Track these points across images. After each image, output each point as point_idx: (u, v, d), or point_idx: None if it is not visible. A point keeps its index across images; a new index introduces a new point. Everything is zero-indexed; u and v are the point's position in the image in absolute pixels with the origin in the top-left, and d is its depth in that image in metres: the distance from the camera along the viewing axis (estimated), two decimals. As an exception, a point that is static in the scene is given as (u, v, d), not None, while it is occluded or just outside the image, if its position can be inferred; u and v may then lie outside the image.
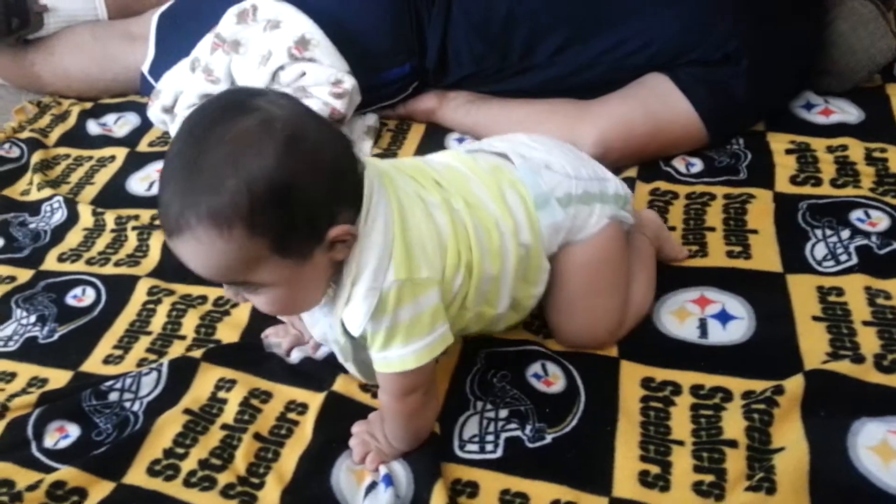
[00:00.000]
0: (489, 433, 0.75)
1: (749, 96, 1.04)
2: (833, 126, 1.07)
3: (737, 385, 0.76)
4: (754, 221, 0.94)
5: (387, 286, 0.61)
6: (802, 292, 0.84)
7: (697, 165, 1.05)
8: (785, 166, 1.02)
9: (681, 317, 0.84)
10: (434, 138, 1.18)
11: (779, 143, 1.06)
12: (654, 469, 0.69)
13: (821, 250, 0.88)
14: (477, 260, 0.68)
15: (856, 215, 0.92)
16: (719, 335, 0.81)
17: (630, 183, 1.03)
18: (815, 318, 0.81)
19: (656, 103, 1.03)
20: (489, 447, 0.73)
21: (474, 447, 0.74)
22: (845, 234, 0.89)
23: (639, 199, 1.00)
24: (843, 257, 0.87)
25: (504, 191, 0.72)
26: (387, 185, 0.64)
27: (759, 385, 0.75)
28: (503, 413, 0.76)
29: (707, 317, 0.83)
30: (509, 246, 0.71)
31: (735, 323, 0.82)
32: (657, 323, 0.83)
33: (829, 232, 0.90)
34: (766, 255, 0.89)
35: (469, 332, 0.78)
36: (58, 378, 0.87)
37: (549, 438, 0.73)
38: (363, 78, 1.14)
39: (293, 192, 0.56)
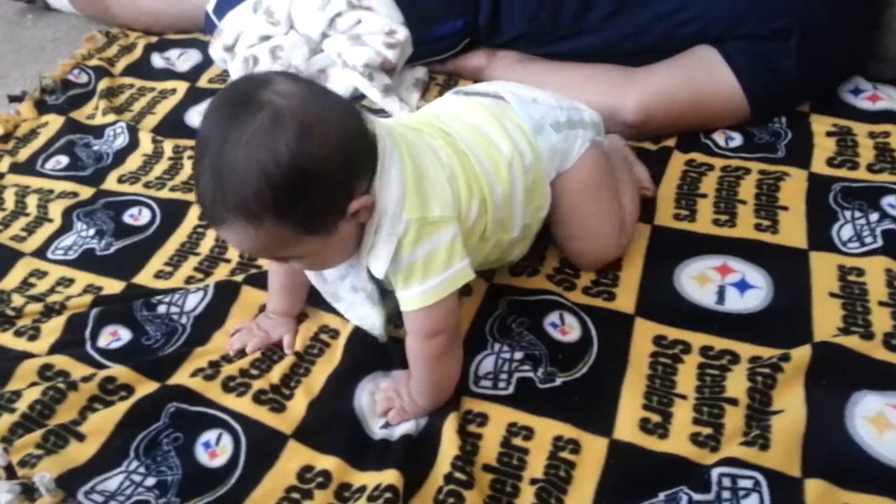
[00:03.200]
0: (503, 372, 0.79)
1: (797, 75, 1.04)
2: (879, 112, 1.07)
3: (745, 350, 0.78)
4: (786, 198, 0.96)
5: (402, 228, 0.66)
6: (823, 269, 0.86)
7: (737, 140, 1.06)
8: (823, 148, 1.02)
9: (701, 282, 0.87)
10: (480, 95, 1.20)
11: (821, 125, 1.06)
12: (655, 418, 0.73)
13: (847, 231, 0.90)
14: (488, 192, 0.74)
15: (888, 201, 0.92)
16: (736, 303, 0.84)
17: (667, 152, 1.05)
18: (832, 295, 0.83)
19: (702, 75, 1.04)
20: (502, 385, 0.78)
21: (488, 383, 0.78)
22: (874, 217, 0.90)
23: (674, 169, 1.02)
24: (869, 240, 0.88)
25: (504, 123, 0.78)
26: (396, 139, 0.68)
27: (767, 352, 0.78)
28: (518, 355, 0.80)
29: (726, 284, 0.86)
30: (516, 173, 0.76)
31: (753, 292, 0.84)
32: (677, 285, 0.86)
33: (857, 214, 0.91)
34: (792, 232, 0.91)
35: (488, 265, 0.83)
36: (112, 287, 0.94)
37: (558, 381, 0.77)
38: (416, 31, 1.17)
39: (311, 179, 0.60)
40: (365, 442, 0.74)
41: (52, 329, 0.87)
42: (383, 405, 0.75)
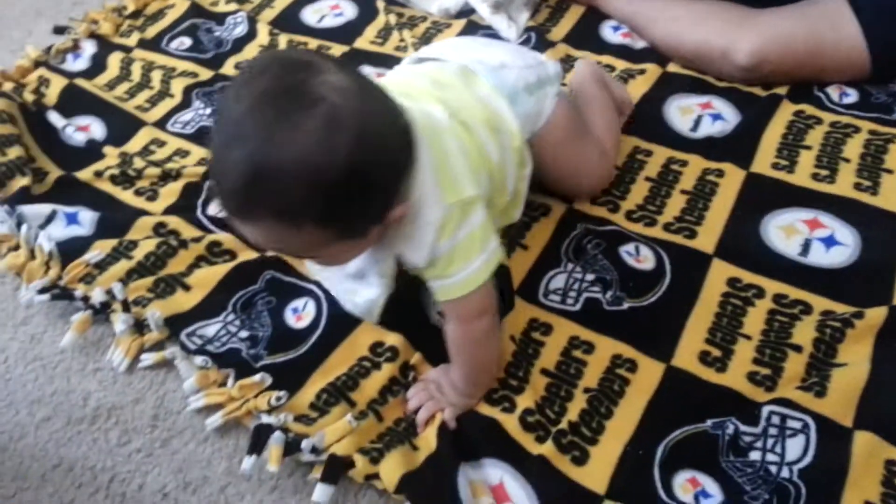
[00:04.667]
0: (572, 290, 0.82)
1: (929, 37, 0.98)
2: None
3: (820, 303, 0.78)
4: (892, 162, 0.92)
5: (441, 213, 0.63)
6: (918, 236, 0.84)
7: (852, 96, 1.02)
8: (944, 115, 0.97)
9: (788, 233, 0.86)
10: (589, 23, 1.19)
11: (947, 91, 1.00)
12: (716, 352, 0.75)
13: (952, 203, 0.87)
14: (490, 162, 0.72)
15: None
16: (819, 257, 0.83)
17: (776, 100, 1.02)
18: (922, 262, 0.81)
19: (824, 25, 1.00)
20: (570, 301, 0.81)
21: (556, 298, 0.82)
22: (985, 190, 0.87)
23: (781, 117, 1.00)
24: (973, 213, 0.85)
25: (480, 94, 0.76)
26: (423, 128, 0.64)
27: (841, 308, 0.77)
28: (589, 277, 0.83)
29: (813, 238, 0.85)
30: (504, 141, 0.75)
31: (838, 249, 0.83)
32: (762, 233, 0.86)
33: (967, 186, 0.88)
34: (892, 196, 0.88)
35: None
36: (222, 163, 1.01)
37: (625, 306, 0.80)
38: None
39: (364, 187, 0.56)
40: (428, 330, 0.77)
41: (169, 193, 0.96)
42: (415, 402, 0.72)
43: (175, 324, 0.80)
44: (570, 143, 0.85)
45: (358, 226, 0.60)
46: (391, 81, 0.75)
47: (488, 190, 0.72)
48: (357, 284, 0.74)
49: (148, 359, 0.79)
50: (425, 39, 1.18)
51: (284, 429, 0.70)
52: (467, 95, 0.75)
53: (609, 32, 1.17)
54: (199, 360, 0.77)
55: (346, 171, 0.54)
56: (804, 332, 0.75)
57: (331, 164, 0.53)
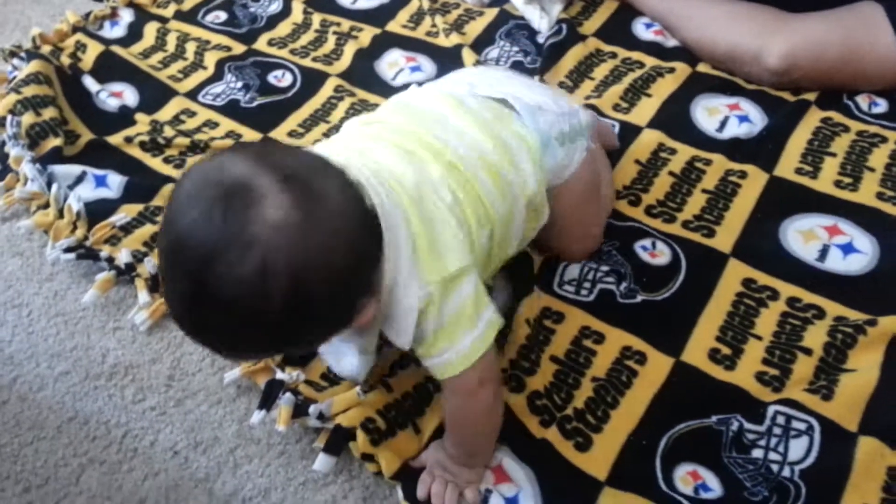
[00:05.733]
0: (587, 280, 0.83)
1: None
2: None
3: (834, 309, 0.78)
4: (918, 174, 0.92)
5: (423, 295, 0.58)
6: (938, 250, 0.83)
7: (881, 106, 1.01)
8: (976, 130, 0.96)
9: (807, 238, 0.86)
10: (622, 19, 1.19)
11: (980, 106, 0.99)
12: (726, 350, 0.76)
13: (974, 220, 0.86)
14: (495, 219, 0.66)
15: None
16: (836, 263, 0.83)
17: (804, 106, 1.01)
18: (940, 277, 0.81)
19: (859, 32, 0.99)
20: (584, 292, 0.82)
21: (571, 288, 0.82)
22: None
23: (808, 123, 0.99)
24: None
25: (507, 141, 0.69)
26: (396, 195, 0.59)
27: (855, 315, 0.77)
28: (604, 268, 0.84)
29: (832, 244, 0.85)
30: (517, 195, 0.69)
31: (856, 256, 0.83)
32: (780, 236, 0.86)
33: None
34: (915, 208, 0.88)
35: (489, 275, 0.76)
36: (250, 136, 1.03)
37: (639, 299, 0.81)
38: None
39: (311, 317, 0.52)
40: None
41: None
42: (434, 491, 0.66)
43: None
44: (586, 203, 0.80)
45: (316, 342, 0.58)
46: (387, 123, 0.70)
47: (487, 248, 0.67)
48: (344, 346, 0.71)
49: (171, 321, 0.81)
50: (457, 26, 1.19)
51: (295, 391, 0.72)
52: (486, 136, 0.68)
53: (641, 29, 1.17)
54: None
55: (286, 311, 0.50)
56: (816, 336, 0.75)
57: (267, 308, 0.49)
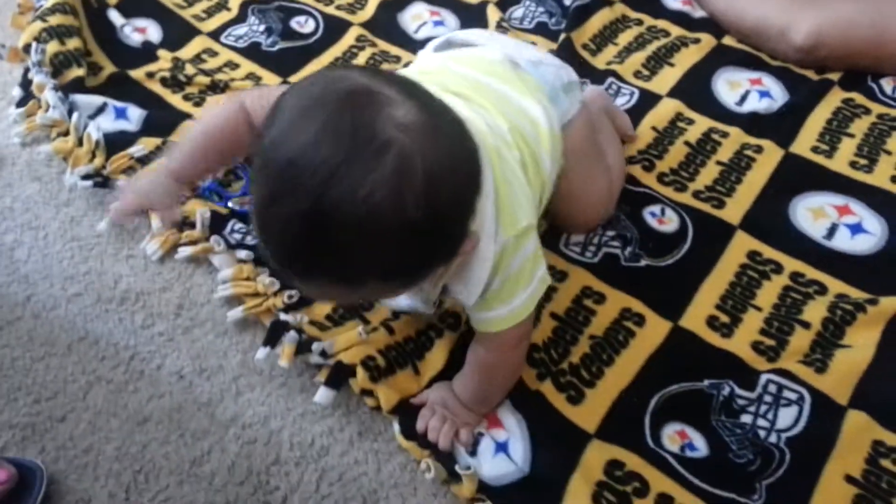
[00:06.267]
0: (592, 243, 0.84)
1: None
2: None
3: (836, 286, 0.79)
4: (936, 160, 0.91)
5: (498, 248, 0.59)
6: (947, 235, 0.83)
7: (906, 90, 1.00)
8: None
9: (816, 216, 0.86)
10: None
11: None
12: (724, 318, 0.76)
13: None
14: (545, 173, 0.68)
15: None
16: (844, 242, 0.83)
17: (827, 85, 1.01)
18: (946, 261, 0.81)
19: (891, 13, 0.98)
20: (588, 254, 0.83)
21: (576, 248, 0.83)
22: None
23: (829, 103, 0.99)
24: None
25: (532, 90, 0.70)
26: (487, 148, 0.59)
27: (857, 294, 0.78)
28: (610, 233, 0.84)
29: (841, 223, 0.85)
30: (555, 141, 0.70)
31: (864, 237, 0.83)
32: (790, 213, 0.86)
33: None
34: (930, 194, 0.88)
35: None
36: (270, 80, 1.04)
37: (642, 263, 0.81)
38: None
39: (434, 238, 0.50)
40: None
41: (215, 102, 0.98)
42: (432, 426, 0.67)
43: (215, 223, 0.84)
44: (586, 159, 0.78)
45: (424, 274, 0.54)
46: (440, 77, 0.67)
47: (541, 207, 0.68)
48: (405, 303, 0.71)
49: (185, 251, 0.82)
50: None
51: (299, 330, 0.74)
52: (518, 95, 0.68)
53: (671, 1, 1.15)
54: (242, 253, 0.80)
55: (416, 225, 0.47)
56: (815, 311, 0.76)
57: (401, 221, 0.46)
